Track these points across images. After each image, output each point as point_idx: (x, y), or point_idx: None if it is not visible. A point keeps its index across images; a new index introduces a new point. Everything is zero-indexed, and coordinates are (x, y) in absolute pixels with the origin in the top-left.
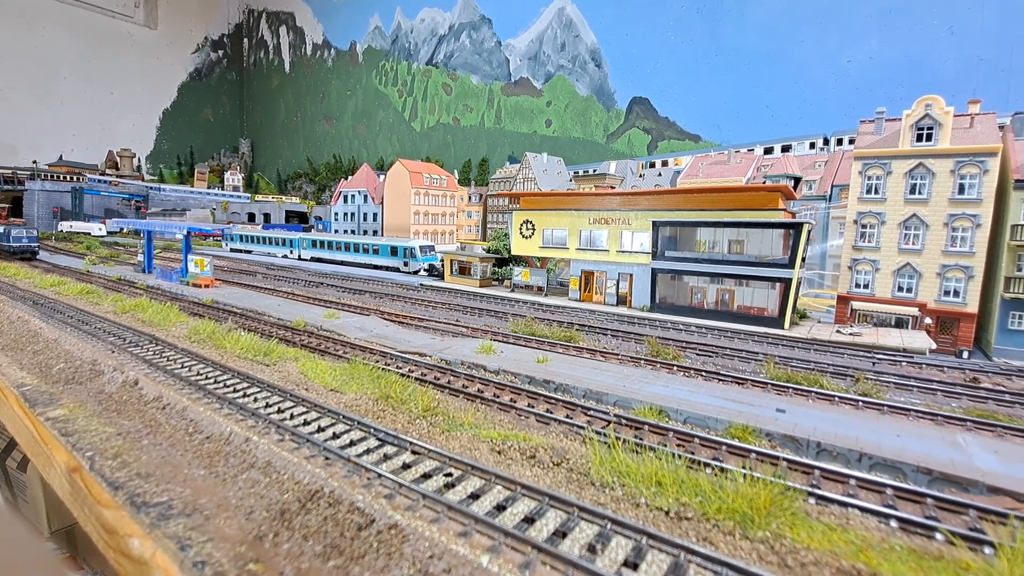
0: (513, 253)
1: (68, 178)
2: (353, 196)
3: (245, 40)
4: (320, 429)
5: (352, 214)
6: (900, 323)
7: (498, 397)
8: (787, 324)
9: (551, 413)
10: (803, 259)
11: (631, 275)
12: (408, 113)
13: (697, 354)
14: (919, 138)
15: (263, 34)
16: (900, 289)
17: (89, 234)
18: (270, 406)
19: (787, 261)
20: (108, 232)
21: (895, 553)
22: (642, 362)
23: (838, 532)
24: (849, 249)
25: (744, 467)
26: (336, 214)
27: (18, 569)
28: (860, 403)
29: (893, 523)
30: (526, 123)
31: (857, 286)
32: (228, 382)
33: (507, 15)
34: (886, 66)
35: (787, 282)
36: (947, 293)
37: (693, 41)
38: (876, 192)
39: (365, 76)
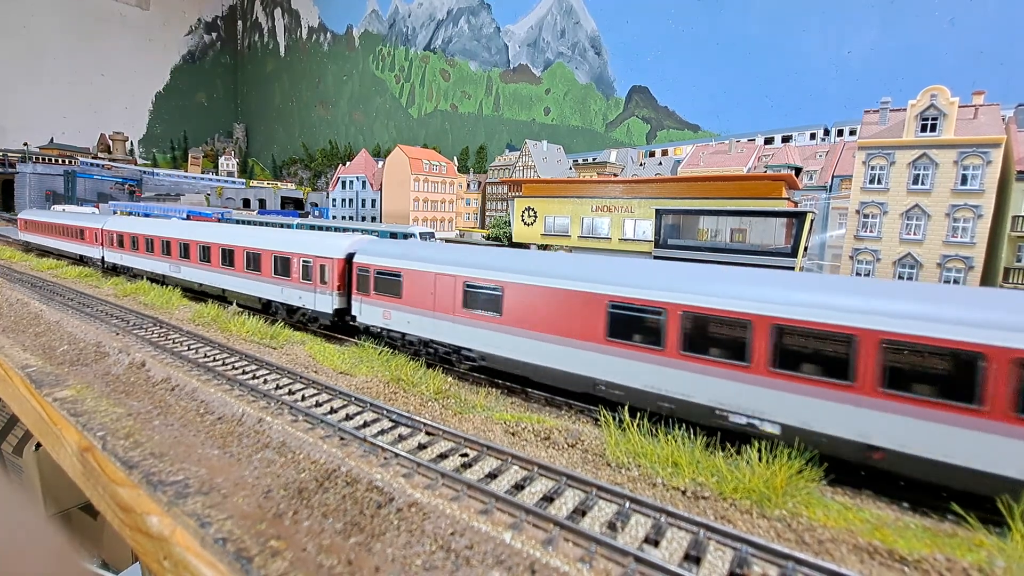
0: (515, 240)
1: (60, 161)
2: (351, 182)
3: (239, 22)
4: (333, 410)
5: (350, 200)
6: None
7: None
8: None
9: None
10: (805, 248)
11: None
12: (405, 99)
13: None
14: (923, 128)
15: (257, 16)
16: (900, 279)
17: None
18: (281, 387)
19: (790, 250)
20: None
21: (910, 531)
22: None
23: (853, 511)
24: (851, 239)
25: (759, 448)
26: (334, 200)
27: (20, 547)
28: None
29: (905, 503)
30: (524, 111)
31: (857, 276)
32: (236, 364)
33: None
34: (887, 57)
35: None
36: (947, 283)
37: (694, 30)
38: (879, 182)
39: (362, 61)
